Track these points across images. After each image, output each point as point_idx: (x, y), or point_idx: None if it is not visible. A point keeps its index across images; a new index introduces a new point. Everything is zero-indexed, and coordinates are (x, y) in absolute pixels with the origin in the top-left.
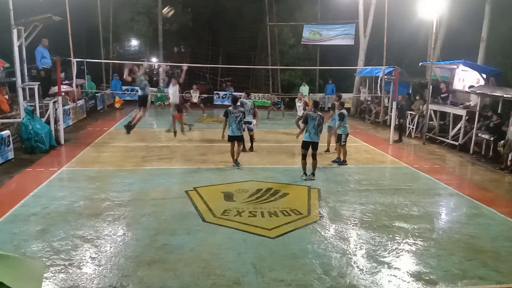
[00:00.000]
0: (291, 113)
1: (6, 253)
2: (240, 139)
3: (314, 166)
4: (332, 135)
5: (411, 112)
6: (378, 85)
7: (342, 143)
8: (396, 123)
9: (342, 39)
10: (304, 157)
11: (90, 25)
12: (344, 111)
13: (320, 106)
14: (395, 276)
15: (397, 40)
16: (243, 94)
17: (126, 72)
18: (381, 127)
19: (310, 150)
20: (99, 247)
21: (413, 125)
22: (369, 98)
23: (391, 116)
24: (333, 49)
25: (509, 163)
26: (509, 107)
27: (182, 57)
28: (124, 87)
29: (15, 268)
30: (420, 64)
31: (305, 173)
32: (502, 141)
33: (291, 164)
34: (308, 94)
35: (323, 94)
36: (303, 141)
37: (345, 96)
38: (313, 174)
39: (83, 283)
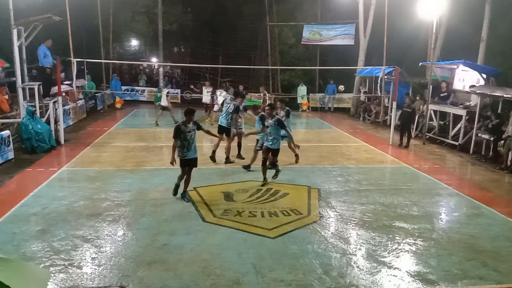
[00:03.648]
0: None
1: (12, 258)
2: (195, 162)
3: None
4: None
5: None
6: (378, 85)
7: (257, 148)
8: (398, 124)
9: (342, 39)
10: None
11: (90, 25)
12: (263, 113)
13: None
14: (395, 276)
15: (397, 40)
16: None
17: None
18: (381, 127)
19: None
20: (99, 247)
21: (413, 125)
22: (363, 99)
23: (391, 116)
24: (333, 49)
25: (509, 163)
26: (509, 107)
27: (182, 57)
28: (124, 87)
29: (20, 273)
30: (420, 64)
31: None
32: (502, 141)
33: (291, 164)
34: (307, 94)
35: (323, 94)
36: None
37: (345, 96)
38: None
39: (83, 283)
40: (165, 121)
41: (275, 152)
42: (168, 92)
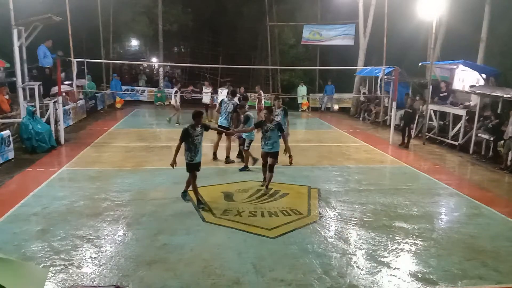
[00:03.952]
0: (291, 112)
1: (9, 257)
2: (199, 166)
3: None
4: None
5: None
6: (378, 85)
7: (246, 148)
8: (400, 124)
9: (342, 39)
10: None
11: (90, 25)
12: (249, 113)
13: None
14: (395, 276)
15: (397, 40)
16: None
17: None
18: (381, 127)
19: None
20: (99, 247)
21: (412, 125)
22: (363, 99)
23: (391, 116)
24: (333, 49)
25: (509, 163)
26: (508, 107)
27: (182, 57)
28: (124, 87)
29: (17, 273)
30: (420, 64)
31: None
32: (502, 141)
33: (285, 165)
34: (307, 94)
35: (322, 94)
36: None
37: (345, 96)
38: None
39: (83, 283)
40: (166, 120)
41: (275, 155)
42: (176, 92)
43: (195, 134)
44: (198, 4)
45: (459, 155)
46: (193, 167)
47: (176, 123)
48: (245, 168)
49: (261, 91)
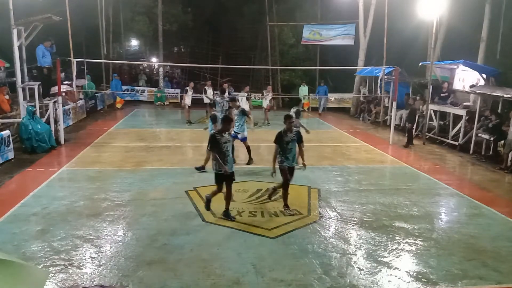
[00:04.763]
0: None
1: (10, 259)
2: (233, 176)
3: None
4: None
5: None
6: (378, 85)
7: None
8: (401, 124)
9: (342, 39)
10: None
11: (90, 25)
12: (215, 112)
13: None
14: (395, 276)
15: (397, 40)
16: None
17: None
18: (381, 127)
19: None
20: (99, 247)
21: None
22: (363, 99)
23: (391, 116)
24: (333, 49)
25: (509, 163)
26: (509, 107)
27: (182, 57)
28: (124, 87)
29: (16, 275)
30: (420, 64)
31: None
32: (502, 141)
33: None
34: (308, 94)
35: (314, 94)
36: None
37: (345, 96)
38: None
39: (83, 283)
40: (165, 120)
41: (294, 169)
42: (186, 90)
43: (223, 141)
44: (198, 4)
45: (459, 155)
46: (222, 178)
47: (188, 122)
48: (201, 169)
49: (271, 93)
